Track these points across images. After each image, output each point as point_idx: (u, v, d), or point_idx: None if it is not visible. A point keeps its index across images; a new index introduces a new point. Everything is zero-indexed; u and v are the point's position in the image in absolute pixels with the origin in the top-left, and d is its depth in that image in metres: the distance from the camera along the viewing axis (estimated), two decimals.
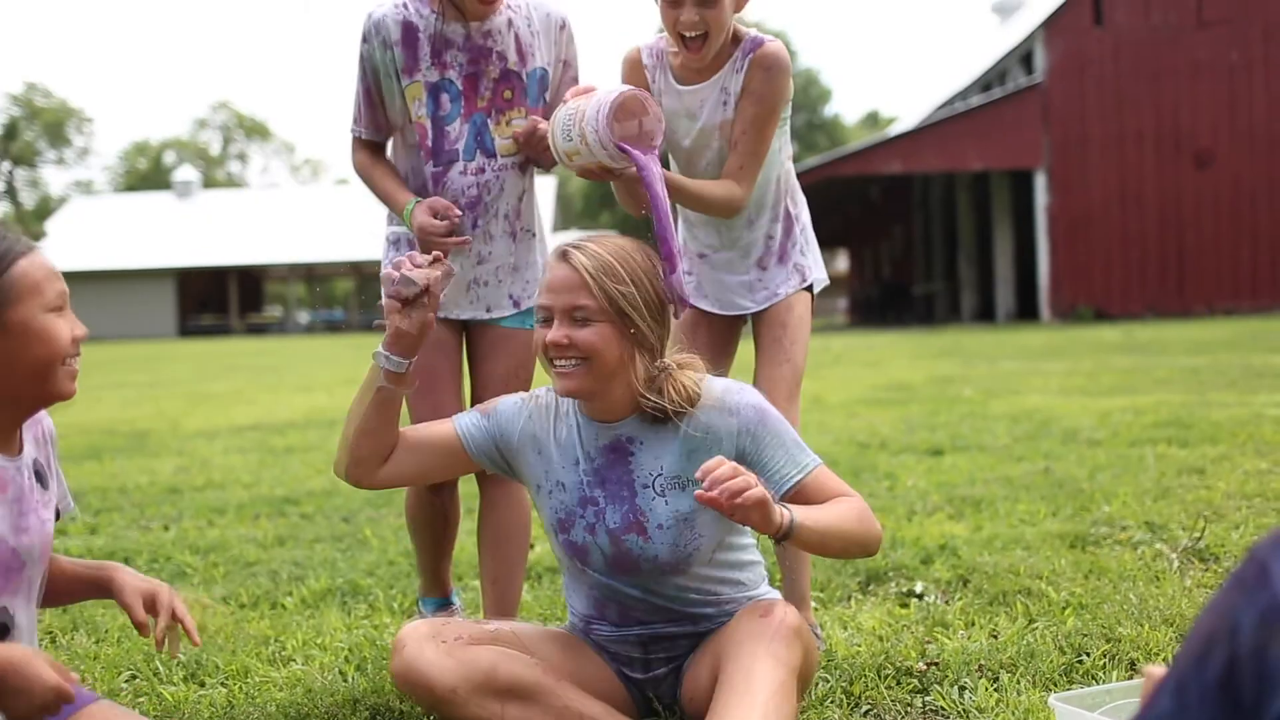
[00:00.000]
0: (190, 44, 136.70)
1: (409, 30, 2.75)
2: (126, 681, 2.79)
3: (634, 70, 2.92)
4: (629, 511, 2.21)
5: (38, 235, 50.38)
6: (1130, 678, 2.47)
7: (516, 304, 2.88)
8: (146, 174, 72.07)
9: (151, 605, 2.04)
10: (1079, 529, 3.92)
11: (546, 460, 2.28)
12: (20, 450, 1.93)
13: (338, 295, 59.93)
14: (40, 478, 1.98)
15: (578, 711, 2.15)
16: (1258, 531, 3.74)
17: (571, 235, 2.61)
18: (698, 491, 1.90)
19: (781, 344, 2.90)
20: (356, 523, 4.74)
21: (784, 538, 1.99)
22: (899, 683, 2.54)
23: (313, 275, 50.78)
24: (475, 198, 2.80)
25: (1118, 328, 20.98)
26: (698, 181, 2.80)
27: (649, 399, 2.17)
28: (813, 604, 3.17)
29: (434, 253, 2.17)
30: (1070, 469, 5.19)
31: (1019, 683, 2.47)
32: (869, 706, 2.43)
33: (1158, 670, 1.06)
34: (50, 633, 3.23)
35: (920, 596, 3.27)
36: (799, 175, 3.11)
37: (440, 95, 2.75)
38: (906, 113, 50.01)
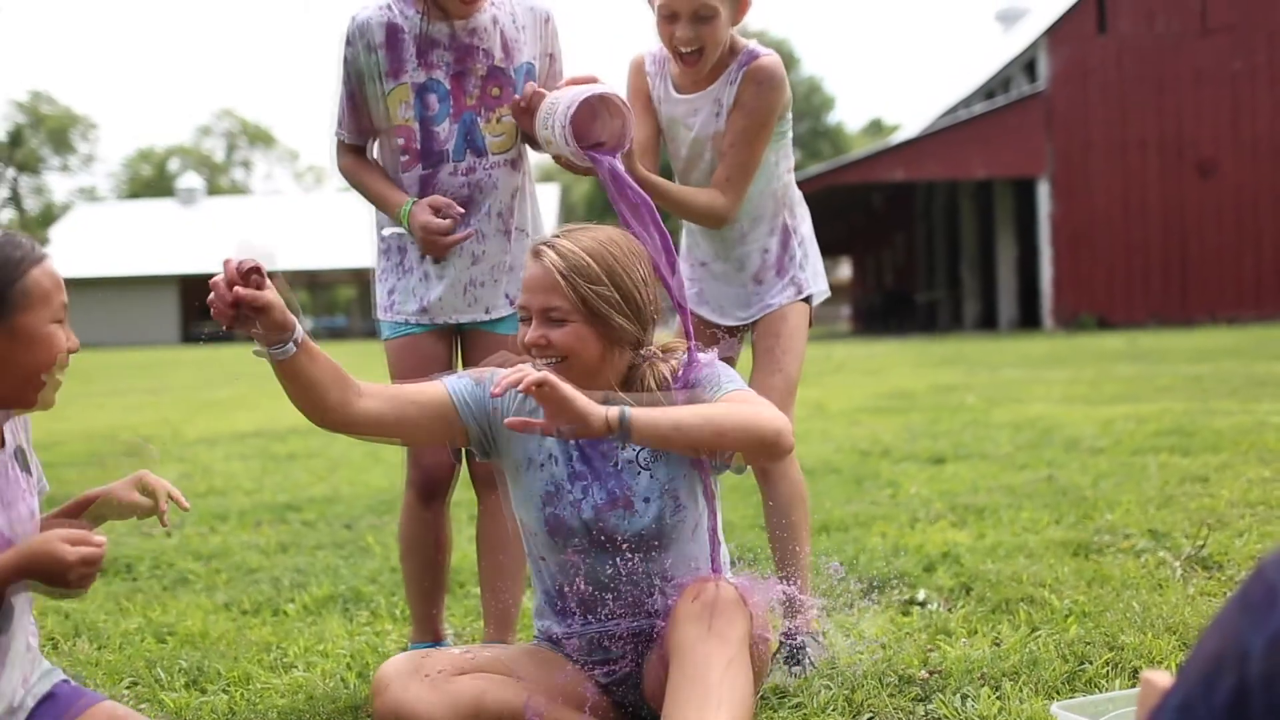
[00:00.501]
0: (195, 51, 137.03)
1: (393, 32, 2.73)
2: (128, 688, 2.79)
3: (637, 76, 2.93)
4: (615, 487, 2.21)
5: (42, 242, 50.40)
6: (1133, 686, 2.47)
7: (513, 303, 2.86)
8: (150, 181, 72.21)
9: (146, 491, 2.08)
10: (1082, 537, 3.91)
11: (535, 435, 2.24)
12: (2, 444, 1.95)
13: (340, 302, 59.95)
14: (23, 465, 2.00)
15: None
16: (1261, 540, 3.73)
17: None
18: (507, 420, 1.97)
19: (774, 354, 2.90)
20: (359, 529, 4.73)
21: (623, 433, 1.98)
22: (901, 691, 2.54)
23: (316, 282, 50.82)
24: (466, 197, 2.78)
25: (1121, 336, 20.97)
26: (682, 188, 2.80)
27: (620, 394, 2.15)
28: (813, 612, 3.17)
29: (241, 266, 2.02)
30: (1073, 477, 5.18)
31: (1021, 691, 2.46)
32: (871, 714, 2.43)
33: (1156, 676, 1.06)
34: (52, 639, 3.23)
35: (923, 604, 3.26)
36: (801, 183, 3.11)
37: (428, 96, 2.73)
38: (910, 120, 50.04)
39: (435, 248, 2.73)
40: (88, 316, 46.08)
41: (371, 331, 2.95)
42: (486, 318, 2.85)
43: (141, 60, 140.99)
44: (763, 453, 2.09)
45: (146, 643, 3.15)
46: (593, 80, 2.58)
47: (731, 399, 2.14)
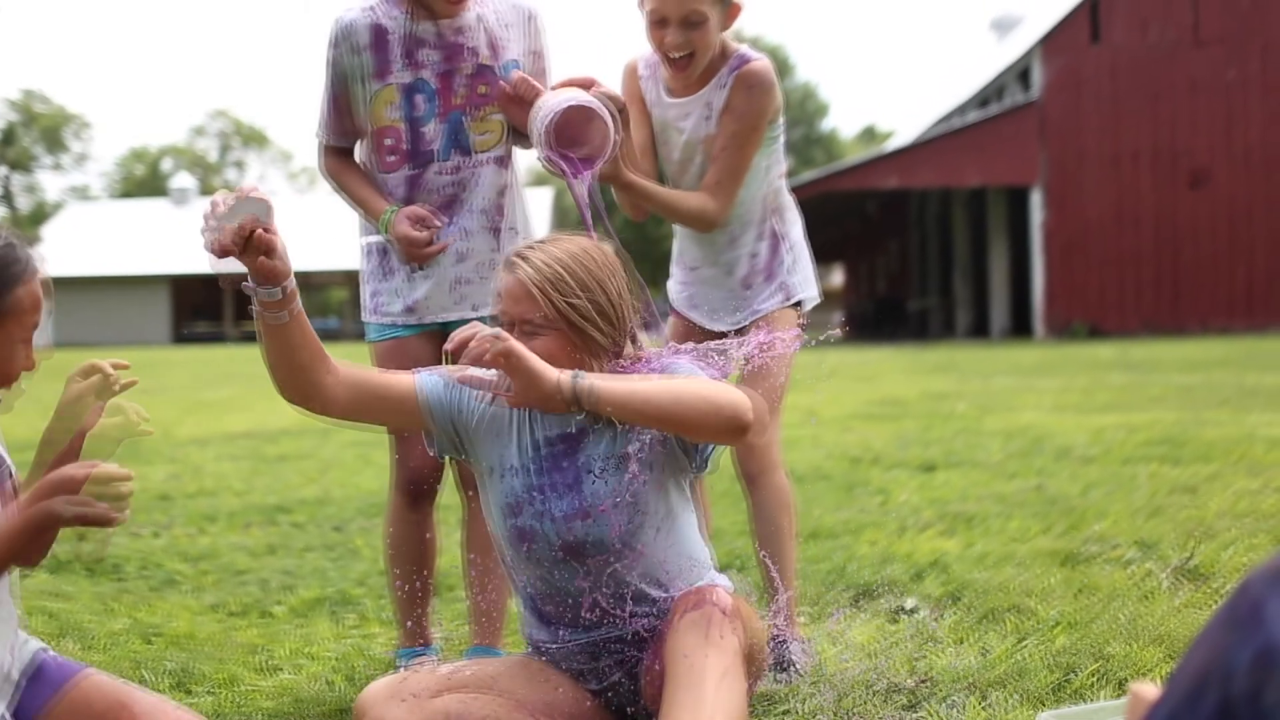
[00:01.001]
0: (189, 52, 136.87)
1: (380, 33, 2.72)
2: None
3: (631, 80, 2.94)
4: (575, 499, 2.19)
5: (34, 241, 50.33)
6: (1119, 696, 2.47)
7: None
8: (143, 180, 72.09)
9: (116, 413, 2.08)
10: (1070, 547, 3.91)
11: (504, 444, 2.25)
12: None
13: (332, 304, 59.92)
14: None
15: None
16: (1249, 551, 3.74)
17: None
18: (460, 376, 2.03)
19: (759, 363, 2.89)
20: (348, 532, 4.73)
21: (581, 404, 1.99)
22: (889, 699, 2.53)
23: (308, 284, 50.78)
24: (452, 195, 2.78)
25: (1112, 345, 21.02)
26: (670, 191, 2.80)
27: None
28: (802, 619, 3.17)
29: (238, 196, 2.02)
30: (1063, 486, 5.19)
31: (1008, 700, 2.47)
32: None
33: (1144, 689, 1.06)
34: (39, 638, 3.21)
35: (911, 612, 3.26)
36: (795, 189, 3.12)
37: (415, 96, 2.73)
38: (904, 128, 50.14)
39: (414, 258, 2.74)
40: (79, 316, 46.00)
41: (363, 333, 2.94)
42: (474, 315, 2.82)
43: (136, 60, 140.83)
44: (722, 428, 2.04)
45: (133, 644, 3.14)
46: (590, 82, 2.59)
47: (694, 375, 2.14)
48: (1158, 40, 25.76)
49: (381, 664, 2.95)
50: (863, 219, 35.54)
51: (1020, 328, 27.09)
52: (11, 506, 1.83)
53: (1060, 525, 4.33)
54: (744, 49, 2.84)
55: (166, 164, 74.40)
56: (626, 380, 2.05)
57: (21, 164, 66.46)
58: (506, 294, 2.15)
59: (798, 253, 3.01)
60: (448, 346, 2.03)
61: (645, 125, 2.93)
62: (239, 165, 79.53)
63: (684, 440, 2.17)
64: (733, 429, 2.04)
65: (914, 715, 2.45)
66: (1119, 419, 7.91)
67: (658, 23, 2.70)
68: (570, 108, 2.45)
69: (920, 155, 26.41)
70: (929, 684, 2.59)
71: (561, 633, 2.26)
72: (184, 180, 54.74)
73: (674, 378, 2.10)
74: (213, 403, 12.43)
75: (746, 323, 2.95)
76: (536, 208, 41.90)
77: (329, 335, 48.80)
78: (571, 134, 2.47)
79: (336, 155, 2.88)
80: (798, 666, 2.73)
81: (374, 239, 2.84)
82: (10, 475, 2.04)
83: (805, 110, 61.65)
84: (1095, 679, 2.59)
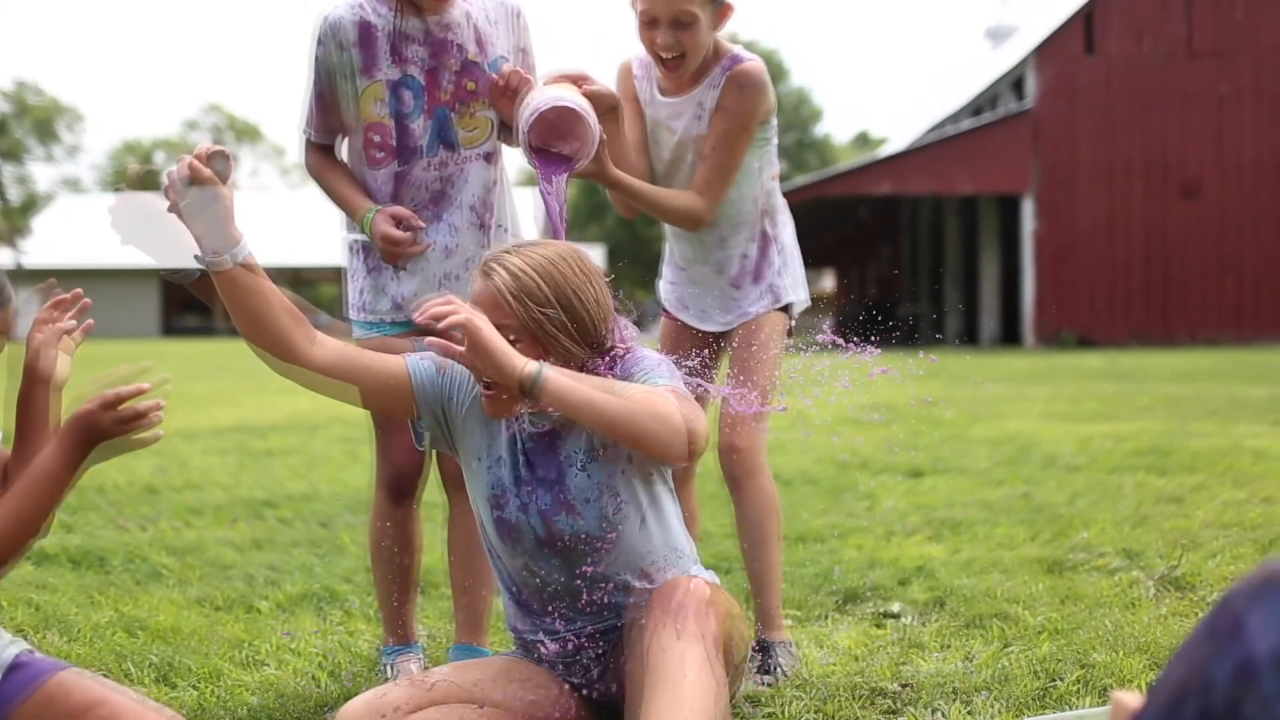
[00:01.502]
0: (183, 45, 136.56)
1: (366, 30, 2.73)
2: None
3: (625, 79, 2.95)
4: (559, 492, 2.20)
5: (24, 231, 50.19)
6: (1102, 704, 2.48)
7: None
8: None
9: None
10: (1056, 554, 3.93)
11: (491, 434, 2.26)
12: None
13: (322, 300, 59.85)
14: None
15: None
16: (1234, 562, 3.76)
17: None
18: (428, 340, 2.03)
19: (745, 366, 2.89)
20: (334, 528, 4.72)
21: (532, 392, 1.99)
22: (872, 703, 2.54)
23: (299, 279, 50.66)
24: (438, 191, 2.78)
25: (1101, 354, 21.07)
26: (659, 189, 2.80)
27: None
28: (787, 622, 3.17)
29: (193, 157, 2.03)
30: (1050, 494, 5.21)
31: (992, 706, 2.47)
32: None
33: (1126, 697, 1.06)
34: (21, 630, 3.21)
35: (896, 617, 3.27)
36: (788, 194, 3.12)
37: (402, 92, 2.73)
38: (897, 134, 50.24)
39: (394, 258, 2.74)
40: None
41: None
42: None
43: (129, 52, 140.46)
44: (667, 449, 2.03)
45: (117, 636, 3.13)
46: (582, 77, 2.59)
47: (655, 389, 2.10)
48: (1151, 52, 25.84)
49: (366, 661, 2.95)
50: (855, 225, 35.58)
51: (1010, 336, 27.15)
52: (48, 446, 1.90)
53: (1046, 533, 4.34)
54: (737, 50, 2.84)
55: (159, 157, 74.19)
56: (584, 382, 2.03)
57: (13, 155, 66.20)
58: (482, 300, 2.15)
59: (788, 255, 3.01)
60: (417, 317, 2.02)
61: (639, 123, 2.93)
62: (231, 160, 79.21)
63: None
64: (677, 453, 2.04)
65: None
66: (1107, 428, 7.93)
67: (648, 23, 2.71)
68: (552, 109, 2.45)
69: (913, 162, 26.45)
70: (913, 689, 2.60)
71: (543, 623, 2.27)
72: None
73: (635, 388, 2.07)
74: (201, 396, 12.39)
75: (735, 324, 2.95)
76: (528, 207, 41.80)
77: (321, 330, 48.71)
78: (560, 128, 2.47)
79: (320, 152, 2.88)
80: (782, 669, 2.73)
81: (360, 236, 2.83)
82: None
83: (799, 115, 61.70)
84: (1079, 686, 2.59)
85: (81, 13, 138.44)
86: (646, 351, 2.23)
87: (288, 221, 47.24)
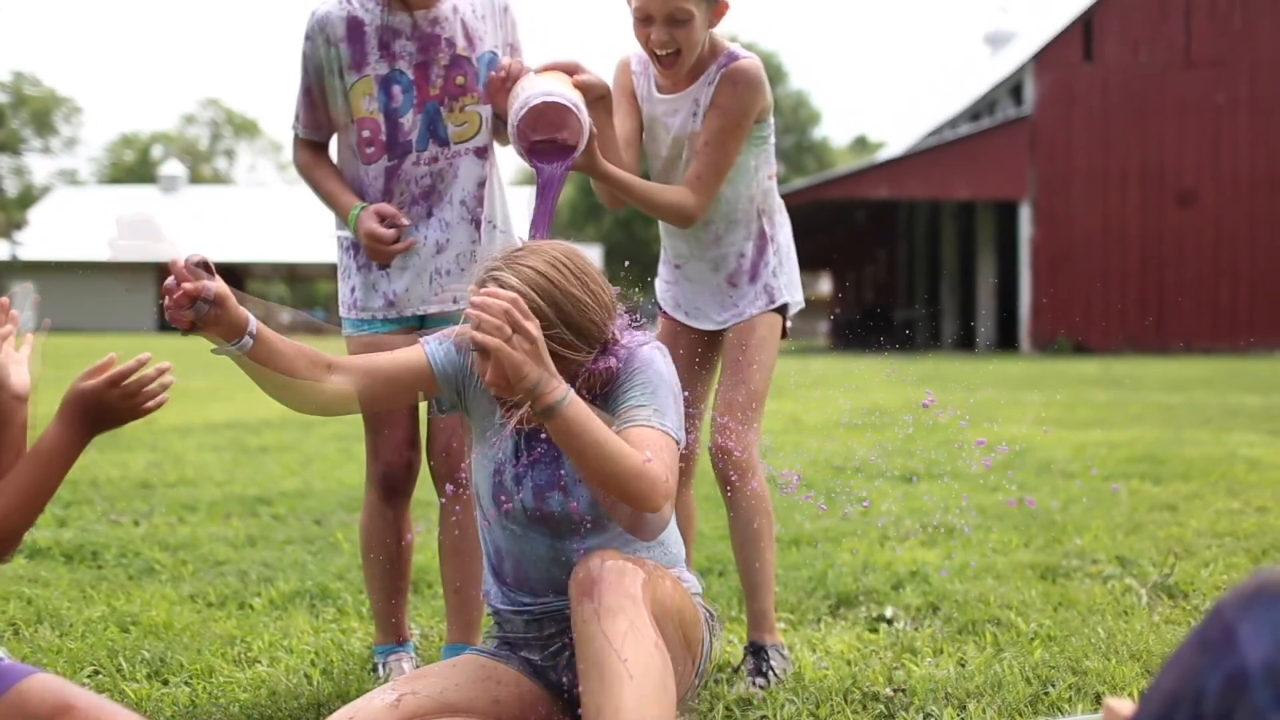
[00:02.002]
0: (183, 38, 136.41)
1: (355, 25, 2.72)
2: (89, 677, 2.77)
3: (624, 74, 2.94)
4: (554, 471, 2.24)
5: (20, 224, 50.12)
6: (1095, 710, 2.48)
7: None
8: (132, 167, 71.80)
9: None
10: (1050, 561, 3.93)
11: (497, 410, 2.28)
12: None
13: (319, 296, 59.79)
14: None
15: None
16: (1227, 570, 3.76)
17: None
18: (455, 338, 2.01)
19: (738, 367, 2.88)
20: (329, 525, 4.71)
21: (547, 413, 1.97)
22: (865, 708, 2.54)
23: (295, 276, 50.65)
24: (429, 186, 2.78)
25: (1096, 361, 21.10)
26: (650, 184, 2.78)
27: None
28: (781, 625, 3.17)
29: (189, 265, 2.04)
30: (1043, 500, 5.21)
31: (985, 712, 2.47)
32: None
33: (1119, 704, 1.06)
34: (14, 624, 3.20)
35: (890, 622, 3.27)
36: (785, 197, 3.10)
37: (392, 87, 2.73)
38: (895, 139, 50.27)
39: (379, 255, 2.73)
40: (63, 301, 45.75)
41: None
42: (455, 307, 2.82)
43: (128, 45, 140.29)
44: (634, 502, 2.05)
45: (109, 632, 3.13)
46: (574, 67, 2.58)
47: (639, 439, 2.08)
48: (1149, 60, 25.89)
49: (359, 659, 2.95)
50: (852, 228, 35.61)
51: (1006, 341, 27.19)
52: (50, 425, 1.90)
53: (1040, 539, 4.35)
54: (734, 47, 2.83)
55: (156, 151, 74.13)
56: (588, 419, 2.00)
57: (10, 146, 66.11)
58: None
59: (784, 255, 2.99)
60: (456, 345, 2.01)
61: (633, 118, 2.92)
62: (229, 154, 79.29)
63: None
64: (648, 508, 2.05)
65: None
66: (1101, 435, 7.94)
67: (643, 20, 2.70)
68: (542, 103, 2.44)
69: (911, 167, 26.49)
70: (906, 694, 2.60)
71: (519, 599, 2.29)
72: (173, 168, 54.55)
73: (634, 434, 2.08)
74: (196, 392, 12.38)
75: (730, 324, 2.94)
76: (525, 206, 41.75)
77: (316, 328, 48.78)
78: (551, 119, 2.46)
79: (309, 149, 2.88)
80: (775, 673, 2.73)
81: (350, 233, 2.83)
82: None
83: (798, 118, 61.76)
84: (1071, 693, 2.60)
85: (80, 5, 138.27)
86: (648, 359, 2.20)
87: (284, 217, 47.19)
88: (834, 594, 3.52)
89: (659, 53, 2.72)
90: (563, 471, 2.23)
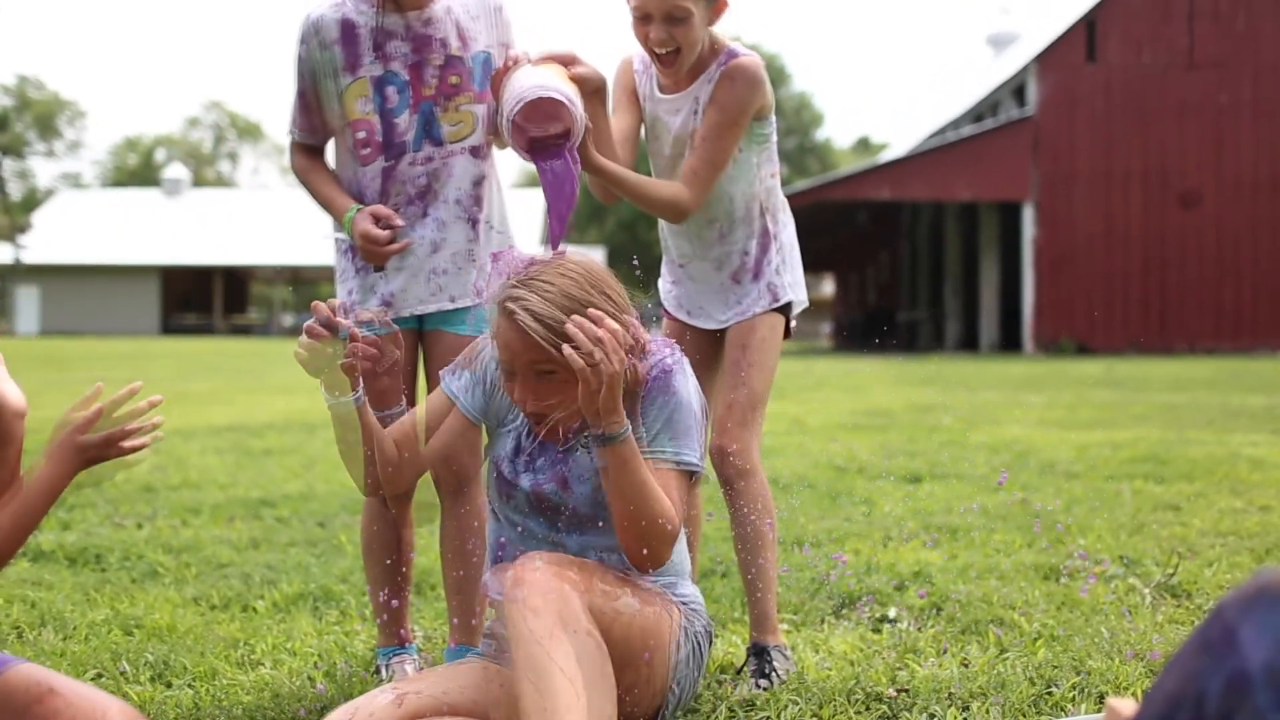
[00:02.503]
0: (186, 42, 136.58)
1: (348, 28, 2.73)
2: (93, 679, 2.77)
3: (625, 72, 2.94)
4: (560, 464, 2.27)
5: (24, 227, 50.17)
6: (1098, 710, 2.48)
7: (480, 294, 2.82)
8: (136, 170, 71.89)
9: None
10: (1053, 561, 3.92)
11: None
12: None
13: (322, 299, 59.81)
14: None
15: None
16: (1231, 570, 3.76)
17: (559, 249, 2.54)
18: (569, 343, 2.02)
19: (740, 367, 2.87)
20: (332, 528, 4.72)
21: (608, 440, 2.05)
22: (868, 708, 2.54)
23: (298, 279, 50.67)
24: (425, 186, 2.78)
25: (1099, 362, 21.09)
26: (644, 178, 2.77)
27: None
28: (783, 626, 3.17)
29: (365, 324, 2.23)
30: (1047, 501, 5.21)
31: (988, 712, 2.47)
32: None
33: (1121, 704, 1.06)
34: (17, 628, 3.21)
35: (893, 622, 3.27)
36: (788, 198, 3.10)
37: (386, 88, 2.74)
38: (898, 140, 50.26)
39: (374, 256, 2.73)
40: (67, 304, 45.79)
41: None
42: (452, 306, 2.82)
43: (132, 48, 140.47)
44: (643, 547, 2.13)
45: (113, 635, 3.13)
46: (571, 59, 2.58)
47: (661, 483, 2.16)
48: (1152, 62, 25.88)
49: (362, 661, 2.95)
50: (855, 230, 35.60)
51: (1009, 342, 27.18)
52: (41, 469, 1.97)
53: (1044, 540, 4.34)
54: (734, 45, 2.83)
55: (160, 154, 74.23)
56: (637, 457, 2.08)
57: (14, 149, 66.21)
58: (513, 342, 2.13)
59: (787, 254, 2.99)
60: (585, 335, 2.03)
61: (631, 115, 2.92)
62: (232, 157, 79.40)
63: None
64: (651, 551, 2.13)
65: None
66: (1104, 436, 7.94)
67: (642, 18, 2.70)
68: (535, 98, 2.43)
69: (914, 168, 26.48)
70: (909, 694, 2.60)
71: None
72: (177, 171, 54.61)
73: (662, 476, 2.16)
74: (199, 395, 12.39)
75: (732, 323, 2.94)
76: (530, 209, 41.83)
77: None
78: (545, 109, 2.45)
79: (305, 153, 2.89)
80: (778, 674, 2.73)
81: (347, 235, 2.83)
82: None
83: (801, 120, 61.79)
84: (1075, 693, 2.59)
85: (84, 8, 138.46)
86: (670, 385, 2.22)
87: (288, 220, 47.23)
88: (837, 595, 3.51)
89: (658, 51, 2.72)
90: (568, 465, 2.26)
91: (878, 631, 3.19)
